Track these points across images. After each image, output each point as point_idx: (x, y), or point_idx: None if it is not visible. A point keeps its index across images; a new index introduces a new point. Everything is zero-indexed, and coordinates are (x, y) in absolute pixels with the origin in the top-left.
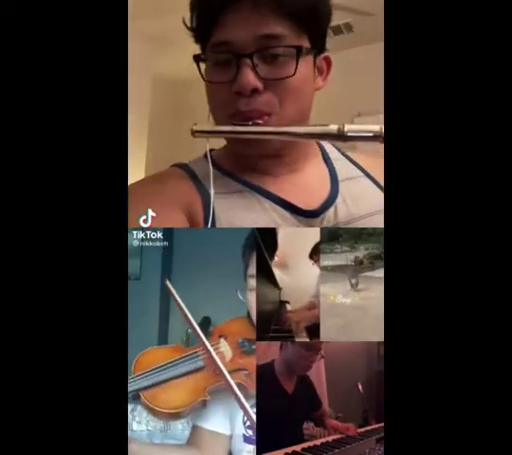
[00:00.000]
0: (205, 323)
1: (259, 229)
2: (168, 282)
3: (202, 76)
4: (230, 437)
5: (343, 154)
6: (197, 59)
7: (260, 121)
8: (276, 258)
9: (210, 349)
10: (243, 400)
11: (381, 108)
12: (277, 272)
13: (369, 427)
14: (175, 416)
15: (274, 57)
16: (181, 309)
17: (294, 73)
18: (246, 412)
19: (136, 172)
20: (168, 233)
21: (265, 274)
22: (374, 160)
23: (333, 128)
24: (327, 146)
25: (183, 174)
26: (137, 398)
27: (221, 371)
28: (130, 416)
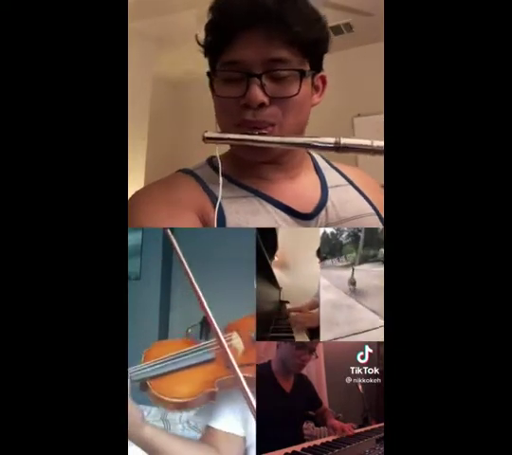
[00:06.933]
0: (204, 323)
1: (259, 229)
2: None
3: (213, 90)
4: (244, 439)
5: (331, 164)
6: (210, 75)
7: (265, 132)
8: (276, 258)
9: (223, 340)
10: (249, 394)
11: (381, 108)
12: (277, 272)
13: (369, 427)
14: (182, 406)
15: (280, 78)
16: (199, 298)
17: (298, 92)
18: (249, 405)
19: (135, 173)
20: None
21: (266, 274)
22: (356, 171)
23: (330, 140)
24: (317, 157)
25: (191, 180)
26: (144, 388)
27: (231, 363)
28: None
